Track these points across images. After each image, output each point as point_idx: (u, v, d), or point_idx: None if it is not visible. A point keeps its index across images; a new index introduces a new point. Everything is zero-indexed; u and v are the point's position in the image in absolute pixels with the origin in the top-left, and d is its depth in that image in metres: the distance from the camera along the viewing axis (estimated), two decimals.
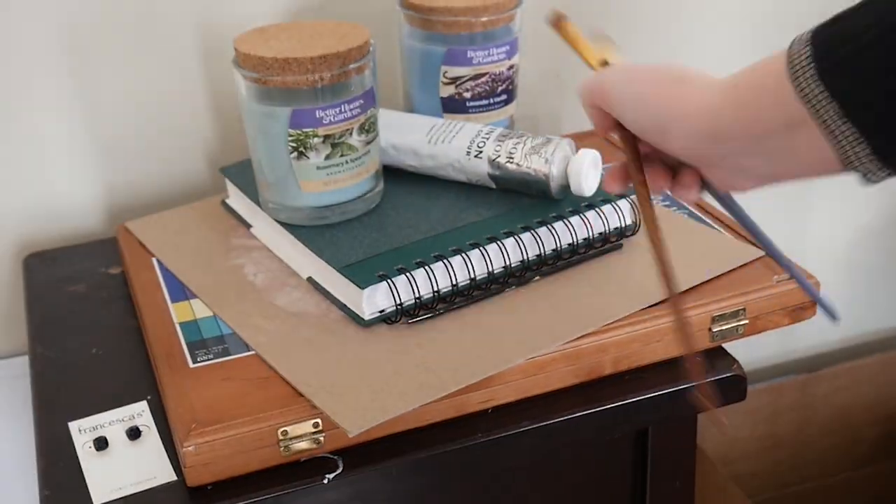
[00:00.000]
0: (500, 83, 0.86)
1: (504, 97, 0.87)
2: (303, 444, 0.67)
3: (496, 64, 0.85)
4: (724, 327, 0.76)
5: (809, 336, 1.37)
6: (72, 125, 0.95)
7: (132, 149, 0.98)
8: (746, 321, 0.77)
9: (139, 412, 0.73)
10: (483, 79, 0.85)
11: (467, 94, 0.85)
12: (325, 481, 0.67)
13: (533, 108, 1.09)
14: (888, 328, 1.42)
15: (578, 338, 0.72)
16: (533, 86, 1.09)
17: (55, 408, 0.74)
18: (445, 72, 0.85)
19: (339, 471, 0.68)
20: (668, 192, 0.65)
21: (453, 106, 0.86)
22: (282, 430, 0.66)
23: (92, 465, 0.69)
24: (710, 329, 0.76)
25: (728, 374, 0.76)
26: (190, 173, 1.01)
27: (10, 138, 0.94)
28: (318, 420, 0.67)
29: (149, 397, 0.74)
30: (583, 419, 0.73)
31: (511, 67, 0.86)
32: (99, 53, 0.94)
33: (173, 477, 0.68)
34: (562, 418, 0.72)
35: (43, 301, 0.86)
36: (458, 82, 0.85)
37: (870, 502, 1.40)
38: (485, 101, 0.86)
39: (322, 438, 0.67)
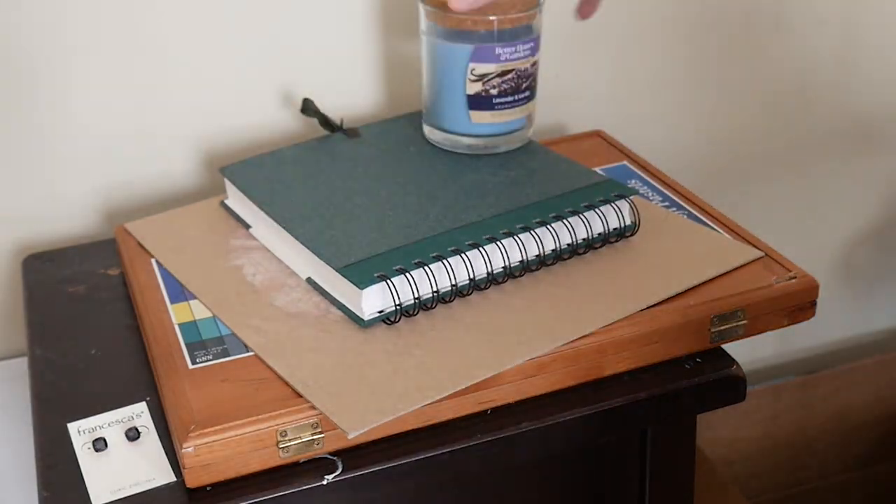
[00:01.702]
0: (524, 80, 0.87)
1: (527, 94, 0.88)
2: (302, 446, 0.67)
3: (522, 61, 0.85)
4: (723, 328, 0.76)
5: (809, 337, 1.37)
6: (71, 126, 0.95)
7: (131, 149, 0.98)
8: (746, 322, 0.77)
9: (138, 413, 0.73)
10: (509, 75, 0.85)
11: (494, 91, 0.86)
12: (325, 482, 0.67)
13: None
14: (888, 329, 1.42)
15: (578, 339, 0.72)
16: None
17: (54, 409, 0.74)
18: (473, 69, 0.85)
19: (338, 472, 0.68)
20: None
21: (480, 103, 0.87)
22: (281, 431, 0.66)
23: (91, 466, 0.69)
24: (709, 329, 0.76)
25: (727, 375, 0.76)
26: (189, 174, 1.01)
27: (9, 139, 0.94)
28: (318, 421, 0.67)
29: (148, 398, 0.74)
30: (582, 420, 0.73)
31: (534, 64, 0.87)
32: (97, 53, 0.94)
33: (172, 478, 0.68)
34: (561, 419, 0.72)
35: (42, 302, 0.86)
36: (485, 79, 0.85)
37: (869, 503, 1.40)
38: (510, 98, 0.87)
39: (321, 439, 0.67)
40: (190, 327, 0.76)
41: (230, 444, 0.66)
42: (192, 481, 0.66)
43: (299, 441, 0.67)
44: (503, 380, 0.71)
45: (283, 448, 0.67)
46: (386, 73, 1.03)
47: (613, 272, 0.79)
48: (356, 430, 0.65)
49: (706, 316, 0.75)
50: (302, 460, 0.68)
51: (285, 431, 0.67)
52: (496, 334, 0.73)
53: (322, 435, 0.67)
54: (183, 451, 0.65)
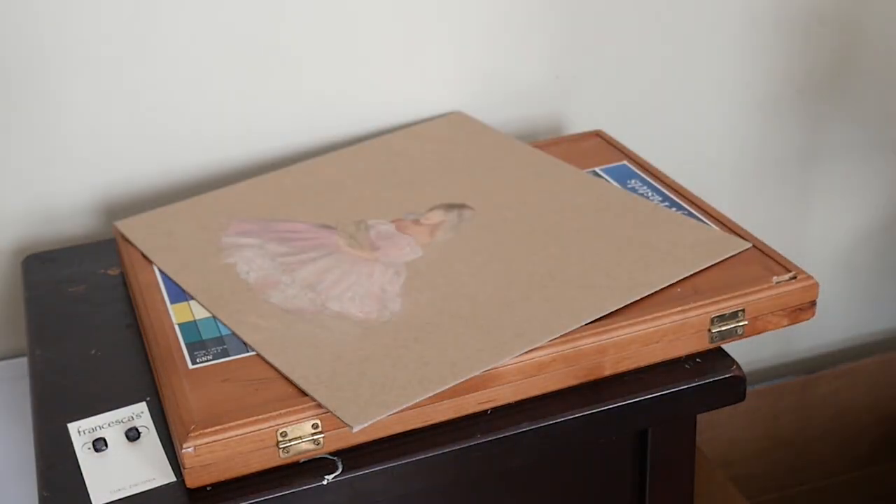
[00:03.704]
0: None
1: None
2: (302, 446, 0.67)
3: None
4: (723, 328, 0.76)
5: (809, 337, 1.37)
6: (71, 125, 0.95)
7: (131, 149, 0.98)
8: (746, 322, 0.77)
9: (138, 413, 0.73)
10: None
11: None
12: (325, 482, 0.67)
13: (531, 110, 1.09)
14: (888, 329, 1.42)
15: (578, 338, 0.72)
16: (531, 87, 1.09)
17: (54, 409, 0.74)
18: None
19: (338, 472, 0.68)
20: None
21: None
22: (281, 431, 0.66)
23: (91, 466, 0.69)
24: (709, 330, 0.76)
25: (727, 375, 0.76)
26: (189, 174, 1.00)
27: (9, 139, 0.94)
28: (318, 421, 0.67)
29: (148, 398, 0.74)
30: (582, 420, 0.72)
31: None
32: (97, 54, 0.94)
33: (172, 478, 0.67)
34: (561, 419, 0.72)
35: (42, 302, 0.86)
36: None
37: (870, 503, 1.40)
38: None
39: (321, 439, 0.67)
40: (190, 327, 0.76)
41: (230, 444, 0.66)
42: (192, 481, 0.66)
43: (299, 441, 0.67)
44: (503, 380, 0.71)
45: (283, 448, 0.67)
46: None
47: (605, 266, 0.79)
48: (360, 424, 0.65)
49: (706, 316, 0.75)
50: (302, 460, 0.68)
51: (285, 432, 0.67)
52: (493, 328, 0.73)
53: (322, 435, 0.67)
54: (183, 451, 0.65)
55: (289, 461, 0.68)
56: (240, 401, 0.68)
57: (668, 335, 0.75)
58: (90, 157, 0.97)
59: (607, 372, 0.74)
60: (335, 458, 0.68)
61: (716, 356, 0.77)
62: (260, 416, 0.66)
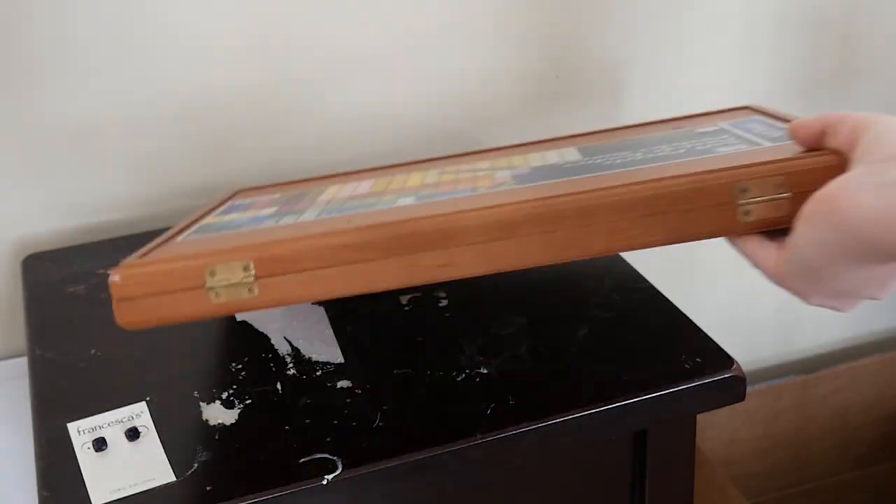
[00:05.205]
0: None
1: None
2: (232, 288, 0.63)
3: None
4: (754, 200, 0.58)
5: (809, 337, 1.37)
6: (71, 126, 0.95)
7: (131, 150, 0.98)
8: (789, 194, 0.58)
9: (138, 413, 0.73)
10: None
11: None
12: (325, 482, 0.67)
13: (532, 109, 1.09)
14: (888, 329, 1.42)
15: (556, 195, 0.59)
16: (532, 87, 1.09)
17: (54, 409, 0.74)
18: None
19: (338, 472, 0.68)
20: None
21: None
22: (210, 270, 0.63)
23: (91, 466, 0.69)
24: (736, 203, 0.58)
25: (727, 375, 0.76)
26: (187, 174, 1.01)
27: (9, 139, 0.94)
28: (250, 263, 0.63)
29: (148, 398, 0.74)
30: (582, 420, 0.72)
31: None
32: (98, 50, 0.94)
33: (172, 478, 0.68)
34: (560, 419, 0.72)
35: (42, 302, 0.86)
36: None
37: (869, 503, 1.40)
38: None
39: (255, 287, 0.63)
40: None
41: (157, 277, 0.63)
42: (121, 318, 0.64)
43: (228, 283, 0.63)
44: (463, 239, 0.60)
45: (211, 289, 0.64)
46: None
47: None
48: None
49: (733, 183, 0.57)
50: (302, 461, 0.68)
51: (214, 270, 0.63)
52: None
53: (255, 280, 0.63)
54: (110, 280, 0.64)
55: (222, 310, 0.64)
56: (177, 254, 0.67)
57: (680, 203, 0.57)
58: (90, 158, 0.97)
59: (597, 248, 0.58)
60: (335, 458, 0.68)
61: (716, 356, 0.77)
62: (189, 254, 0.65)
